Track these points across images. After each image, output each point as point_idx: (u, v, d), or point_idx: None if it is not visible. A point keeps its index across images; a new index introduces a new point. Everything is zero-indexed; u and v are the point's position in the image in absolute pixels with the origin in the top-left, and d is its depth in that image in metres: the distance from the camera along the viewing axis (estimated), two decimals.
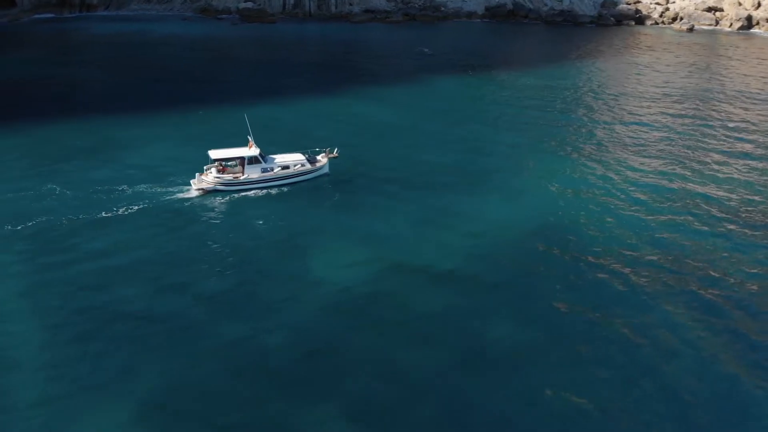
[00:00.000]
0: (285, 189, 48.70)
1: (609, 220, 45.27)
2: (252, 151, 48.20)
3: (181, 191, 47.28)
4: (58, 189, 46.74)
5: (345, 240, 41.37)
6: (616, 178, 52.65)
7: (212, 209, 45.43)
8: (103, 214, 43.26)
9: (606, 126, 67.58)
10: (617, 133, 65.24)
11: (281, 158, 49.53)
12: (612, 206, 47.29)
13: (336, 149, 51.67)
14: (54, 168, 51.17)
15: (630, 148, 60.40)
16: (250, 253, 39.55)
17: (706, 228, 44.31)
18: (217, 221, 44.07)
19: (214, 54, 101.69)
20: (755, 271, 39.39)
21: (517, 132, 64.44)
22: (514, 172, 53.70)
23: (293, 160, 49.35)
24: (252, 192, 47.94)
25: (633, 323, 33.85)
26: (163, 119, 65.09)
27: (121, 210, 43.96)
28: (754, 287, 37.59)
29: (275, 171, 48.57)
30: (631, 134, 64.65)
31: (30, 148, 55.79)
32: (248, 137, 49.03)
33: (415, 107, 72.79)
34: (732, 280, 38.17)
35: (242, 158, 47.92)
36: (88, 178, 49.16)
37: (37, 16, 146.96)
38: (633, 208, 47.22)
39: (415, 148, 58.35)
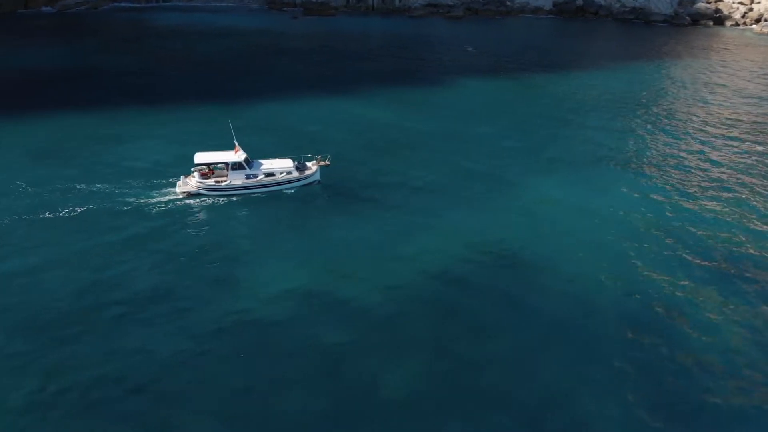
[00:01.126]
0: (275, 194, 48.02)
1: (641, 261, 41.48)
2: (237, 156, 47.75)
3: (166, 193, 47.48)
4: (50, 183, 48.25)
5: (288, 258, 39.15)
6: (669, 211, 47.04)
7: (184, 214, 44.95)
8: (62, 212, 44.17)
9: (672, 145, 61.13)
10: (682, 155, 58.15)
11: (268, 164, 48.85)
12: (655, 244, 42.72)
13: (328, 156, 50.46)
14: (60, 156, 52.90)
15: (695, 172, 54.24)
16: (193, 259, 38.88)
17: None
18: (180, 227, 43.31)
19: (262, 47, 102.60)
20: None
21: (534, 142, 61.07)
22: (521, 189, 50.79)
23: (279, 167, 48.56)
24: (235, 197, 47.56)
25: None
26: (185, 114, 66.00)
27: (81, 208, 44.62)
28: None
29: (259, 178, 47.98)
30: (699, 157, 58.09)
31: (38, 137, 58.16)
32: (234, 142, 48.62)
33: (429, 111, 70.46)
34: None
35: (226, 164, 47.60)
36: (87, 171, 50.49)
37: (115, 4, 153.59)
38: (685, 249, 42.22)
39: (411, 159, 56.03)
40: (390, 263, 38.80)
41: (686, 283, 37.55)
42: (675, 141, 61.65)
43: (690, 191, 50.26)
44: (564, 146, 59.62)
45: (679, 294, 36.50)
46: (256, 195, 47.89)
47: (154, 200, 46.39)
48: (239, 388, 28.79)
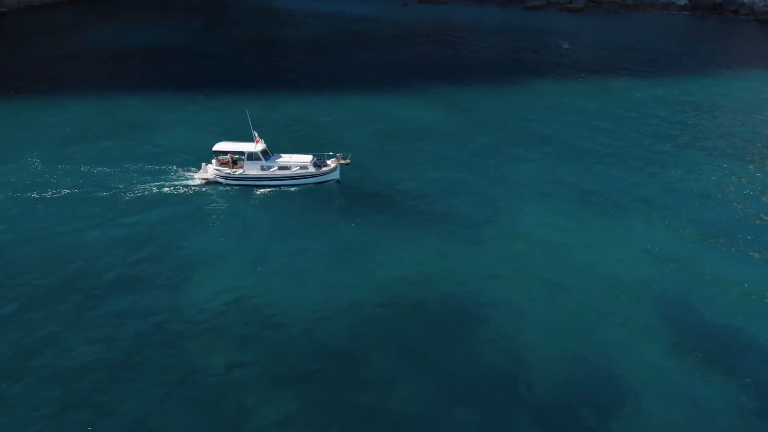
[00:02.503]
0: (291, 189, 46.97)
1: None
2: (255, 147, 47.11)
3: (186, 178, 47.91)
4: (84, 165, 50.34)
5: (253, 261, 37.77)
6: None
7: (194, 199, 45.31)
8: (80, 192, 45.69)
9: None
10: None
11: (286, 158, 47.80)
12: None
13: (349, 155, 48.51)
14: (93, 137, 55.39)
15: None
16: (182, 243, 38.81)
17: None
18: (187, 212, 43.66)
19: (352, 35, 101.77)
20: None
21: (587, 164, 55.17)
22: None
23: (296, 161, 47.34)
24: (251, 188, 46.99)
25: None
26: (231, 102, 66.52)
27: (105, 192, 45.86)
28: None
29: (273, 170, 47.03)
30: None
31: (85, 116, 61.25)
32: (253, 133, 47.97)
33: (481, 115, 65.81)
34: None
35: (243, 153, 47.14)
36: (118, 153, 52.36)
37: None
38: None
39: (450, 167, 52.36)
40: (381, 280, 36.33)
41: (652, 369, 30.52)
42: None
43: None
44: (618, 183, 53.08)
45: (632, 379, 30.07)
46: (272, 188, 47.09)
47: (170, 184, 46.98)
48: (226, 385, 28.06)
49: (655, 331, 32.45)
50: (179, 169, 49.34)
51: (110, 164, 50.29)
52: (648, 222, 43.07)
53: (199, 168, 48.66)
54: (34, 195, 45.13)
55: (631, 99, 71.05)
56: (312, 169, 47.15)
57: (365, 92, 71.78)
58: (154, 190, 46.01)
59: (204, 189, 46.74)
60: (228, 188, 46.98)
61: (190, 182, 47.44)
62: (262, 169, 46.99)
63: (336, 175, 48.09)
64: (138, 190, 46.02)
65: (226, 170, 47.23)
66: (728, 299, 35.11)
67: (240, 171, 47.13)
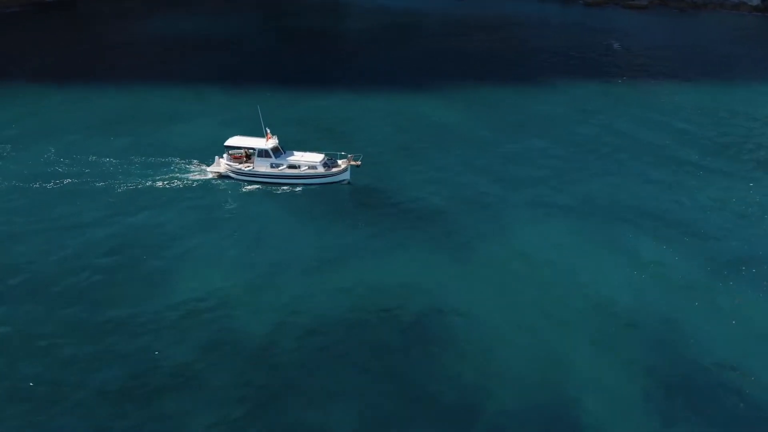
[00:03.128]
0: (297, 189, 47.44)
1: None
2: (265, 144, 47.70)
3: (199, 171, 49.09)
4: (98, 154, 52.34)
5: (230, 264, 38.34)
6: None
7: (199, 193, 46.61)
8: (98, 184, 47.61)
9: None
10: None
11: (297, 156, 48.29)
12: None
13: (360, 156, 48.48)
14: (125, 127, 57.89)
15: None
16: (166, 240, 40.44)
17: None
18: (190, 205, 44.97)
19: (409, 30, 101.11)
20: None
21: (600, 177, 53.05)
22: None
23: (306, 160, 47.73)
24: (260, 185, 47.71)
25: None
26: (260, 96, 67.24)
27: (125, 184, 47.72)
28: None
29: (281, 168, 47.55)
30: None
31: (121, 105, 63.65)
32: (266, 129, 48.57)
33: (508, 116, 64.65)
34: None
35: (253, 150, 47.82)
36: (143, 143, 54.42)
37: None
38: None
39: (466, 173, 51.67)
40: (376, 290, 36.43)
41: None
42: None
43: None
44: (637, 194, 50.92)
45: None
46: (282, 186, 47.61)
47: (181, 177, 48.35)
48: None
49: (635, 368, 31.24)
50: (194, 161, 50.62)
51: (129, 155, 52.20)
52: (663, 244, 41.39)
53: (213, 161, 49.72)
54: (36, 185, 47.30)
55: (672, 106, 68.14)
56: (321, 170, 47.46)
57: (401, 90, 71.53)
58: (160, 184, 47.54)
59: (214, 183, 47.92)
60: (238, 183, 47.89)
61: (201, 176, 48.60)
62: (272, 166, 47.66)
63: (346, 176, 48.20)
64: (145, 182, 47.79)
65: (237, 165, 48.09)
66: (727, 337, 33.41)
67: (250, 167, 47.90)
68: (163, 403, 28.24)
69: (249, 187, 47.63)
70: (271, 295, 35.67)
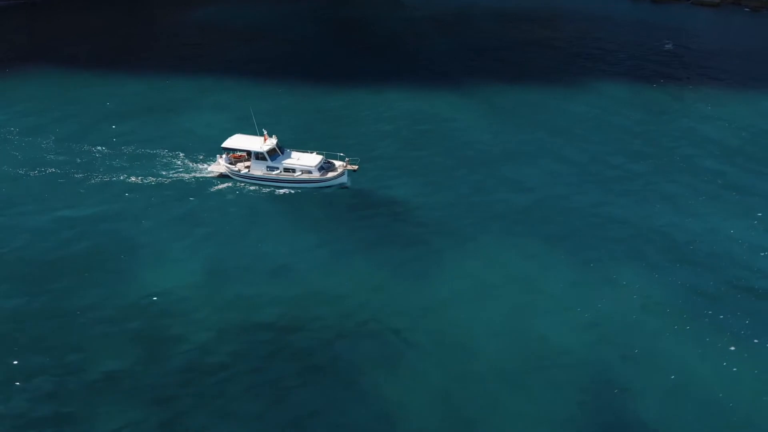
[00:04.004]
0: (293, 192, 46.71)
1: None
2: (261, 146, 47.00)
3: (202, 170, 48.99)
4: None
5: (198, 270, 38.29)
6: None
7: (188, 192, 46.77)
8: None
9: None
10: None
11: (295, 158, 47.58)
12: None
13: (358, 161, 47.18)
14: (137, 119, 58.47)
15: None
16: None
17: None
18: (174, 203, 45.33)
19: (461, 24, 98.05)
20: None
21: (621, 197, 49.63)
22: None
23: (302, 164, 46.82)
24: (257, 187, 47.20)
25: None
26: (298, 91, 66.77)
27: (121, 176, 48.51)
28: None
29: (276, 172, 46.79)
30: None
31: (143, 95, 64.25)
32: (263, 131, 47.90)
33: (526, 117, 62.02)
34: None
35: (249, 152, 47.24)
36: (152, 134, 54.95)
37: None
38: None
39: (470, 184, 49.59)
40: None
41: None
42: None
43: None
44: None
45: None
46: (276, 188, 46.89)
47: (184, 175, 48.36)
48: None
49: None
50: (197, 158, 50.54)
51: (121, 146, 53.11)
52: (643, 275, 38.70)
53: (215, 160, 49.52)
54: (21, 171, 48.92)
55: (699, 116, 63.58)
56: (316, 174, 46.47)
57: (431, 87, 69.52)
58: (151, 179, 48.18)
59: (212, 182, 47.71)
60: (236, 184, 47.53)
61: (197, 174, 48.49)
62: (268, 169, 46.94)
63: (344, 180, 47.07)
64: (127, 176, 48.47)
65: (235, 167, 47.66)
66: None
67: (246, 170, 47.40)
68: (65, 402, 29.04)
69: (248, 188, 47.18)
70: (212, 296, 36.21)
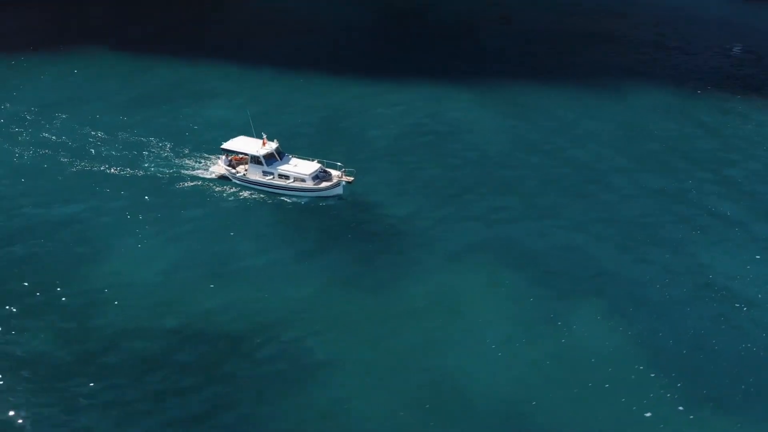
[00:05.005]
0: (288, 199, 45.41)
1: None
2: (259, 150, 45.90)
3: (203, 169, 48.47)
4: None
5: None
6: None
7: (186, 193, 45.90)
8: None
9: None
10: None
11: (290, 166, 45.98)
12: None
13: (354, 172, 45.26)
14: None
15: None
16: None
17: None
18: (157, 203, 44.60)
19: (521, 19, 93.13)
20: None
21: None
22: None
23: (296, 171, 45.27)
24: (252, 191, 46.15)
25: None
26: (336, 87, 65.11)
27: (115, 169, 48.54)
28: None
29: (269, 178, 45.61)
30: None
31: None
32: (262, 134, 46.75)
33: (545, 124, 57.94)
34: None
35: (246, 155, 46.29)
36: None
37: None
38: None
39: (468, 205, 46.29)
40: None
41: None
42: None
43: None
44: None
45: None
46: (271, 194, 45.79)
47: (184, 172, 47.88)
48: None
49: None
50: (203, 155, 50.03)
51: (117, 134, 53.38)
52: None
53: (218, 160, 48.92)
54: (17, 152, 50.19)
55: (739, 135, 57.43)
56: (309, 183, 44.92)
57: (466, 87, 66.21)
58: (140, 172, 47.81)
59: (209, 183, 46.88)
60: (233, 188, 46.63)
61: (200, 173, 47.88)
62: (264, 174, 45.85)
63: (338, 191, 45.27)
64: (133, 169, 48.27)
65: (232, 170, 46.89)
66: None
67: (242, 173, 46.56)
68: None
69: (243, 192, 46.12)
70: (161, 295, 36.17)
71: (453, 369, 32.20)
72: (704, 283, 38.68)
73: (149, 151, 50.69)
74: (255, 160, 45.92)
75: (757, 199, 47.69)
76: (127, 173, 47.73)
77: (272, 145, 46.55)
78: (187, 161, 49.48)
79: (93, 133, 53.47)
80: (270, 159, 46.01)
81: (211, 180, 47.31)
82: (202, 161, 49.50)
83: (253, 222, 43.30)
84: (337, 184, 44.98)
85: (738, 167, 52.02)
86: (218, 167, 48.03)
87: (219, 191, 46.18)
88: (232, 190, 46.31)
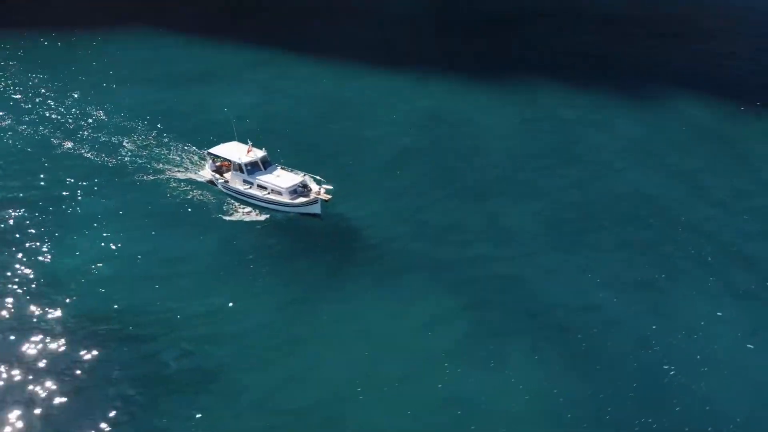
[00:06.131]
0: (265, 213, 43.22)
1: None
2: (242, 157, 44.13)
3: (192, 170, 47.48)
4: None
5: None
6: None
7: (164, 194, 44.58)
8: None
9: None
10: None
11: (272, 176, 43.51)
12: None
13: (331, 190, 42.30)
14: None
15: None
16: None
17: None
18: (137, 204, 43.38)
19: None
20: None
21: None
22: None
23: (273, 184, 42.86)
24: (232, 201, 44.50)
25: None
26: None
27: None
28: None
29: (248, 188, 43.79)
30: None
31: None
32: (248, 142, 44.98)
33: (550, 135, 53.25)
34: None
35: (230, 162, 44.79)
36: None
37: None
38: None
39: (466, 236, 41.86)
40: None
41: None
42: None
43: None
44: None
45: None
46: (256, 206, 43.87)
47: (172, 173, 46.99)
48: None
49: None
50: (198, 153, 48.95)
51: (137, 122, 53.52)
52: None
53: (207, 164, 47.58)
54: (23, 126, 51.61)
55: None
56: (285, 197, 42.58)
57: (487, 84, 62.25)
58: (126, 166, 47.45)
59: (193, 186, 45.41)
60: (213, 193, 44.97)
61: (186, 174, 46.53)
62: (244, 182, 44.22)
63: (315, 209, 42.45)
64: (115, 160, 48.19)
65: (218, 176, 45.53)
66: None
67: (223, 180, 45.18)
68: None
69: (221, 199, 44.00)
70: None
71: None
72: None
73: (147, 142, 50.50)
74: (237, 167, 44.32)
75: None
76: (110, 162, 47.83)
77: (257, 154, 44.43)
78: (182, 160, 48.63)
79: (96, 114, 54.76)
80: (252, 168, 43.85)
81: (196, 183, 46.19)
82: (195, 162, 48.42)
83: (214, 228, 41.23)
84: (314, 201, 42.13)
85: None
86: (206, 171, 47.00)
87: (199, 196, 44.40)
88: (210, 197, 44.51)
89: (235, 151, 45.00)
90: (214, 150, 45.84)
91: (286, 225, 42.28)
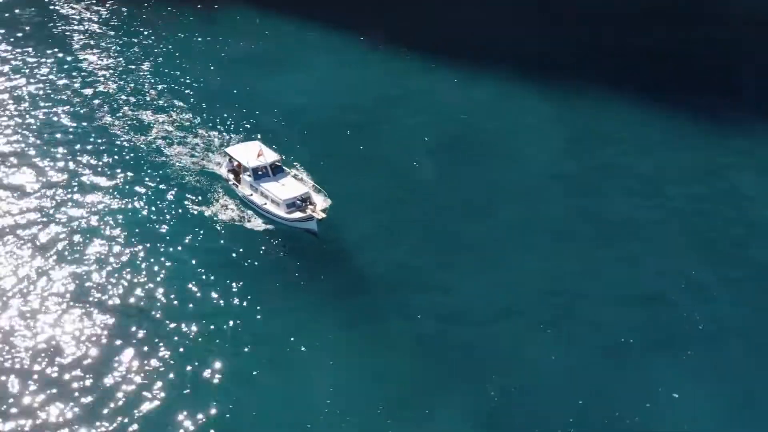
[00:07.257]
0: (265, 224, 41.47)
1: None
2: (250, 161, 42.70)
3: (216, 163, 46.51)
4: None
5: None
6: None
7: (191, 195, 43.67)
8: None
9: None
10: None
11: (277, 184, 41.66)
12: None
13: (327, 207, 39.77)
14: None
15: None
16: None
17: None
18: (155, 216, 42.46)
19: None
20: None
21: None
22: None
23: (274, 194, 40.99)
24: (241, 205, 43.08)
25: None
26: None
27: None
28: None
29: (252, 195, 42.35)
30: None
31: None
32: (259, 145, 43.52)
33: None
34: None
35: (240, 165, 43.64)
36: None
37: None
38: None
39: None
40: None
41: None
42: None
43: None
44: None
45: None
46: (253, 212, 42.56)
47: (199, 162, 46.67)
48: None
49: None
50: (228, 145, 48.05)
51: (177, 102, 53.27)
52: None
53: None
54: (76, 99, 53.23)
55: None
56: (282, 209, 40.76)
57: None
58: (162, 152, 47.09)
59: (210, 180, 44.67)
60: (227, 193, 44.01)
61: (208, 167, 45.94)
62: (250, 187, 42.93)
63: (311, 226, 40.28)
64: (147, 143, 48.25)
65: (232, 176, 44.46)
66: None
67: (233, 182, 44.17)
68: None
69: (230, 201, 42.96)
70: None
71: None
72: None
73: (189, 129, 50.04)
74: (246, 171, 43.25)
75: None
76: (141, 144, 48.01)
77: (267, 158, 42.66)
78: (208, 151, 47.54)
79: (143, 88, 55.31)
80: (260, 173, 42.28)
81: (217, 178, 45.28)
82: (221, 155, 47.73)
83: (204, 235, 40.41)
84: (309, 218, 39.75)
85: None
86: (222, 171, 45.38)
87: (210, 193, 43.70)
88: (223, 197, 43.59)
89: (250, 153, 43.77)
90: (231, 150, 45.04)
91: (282, 240, 40.70)
